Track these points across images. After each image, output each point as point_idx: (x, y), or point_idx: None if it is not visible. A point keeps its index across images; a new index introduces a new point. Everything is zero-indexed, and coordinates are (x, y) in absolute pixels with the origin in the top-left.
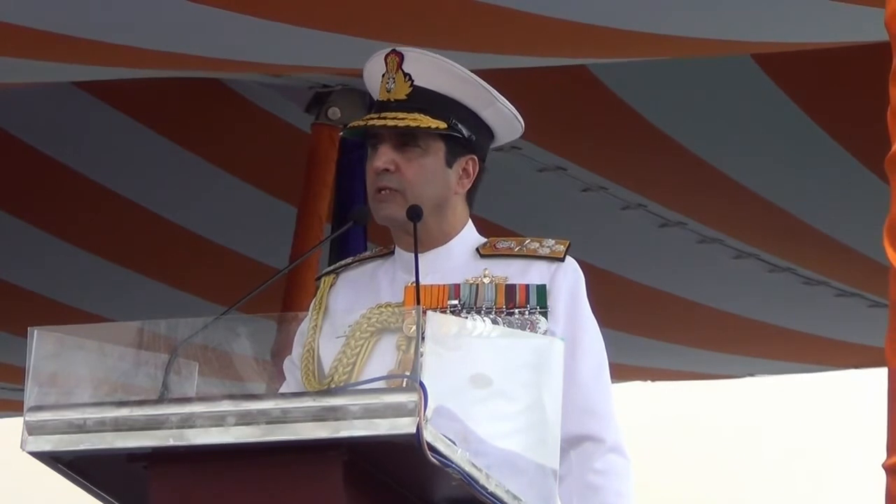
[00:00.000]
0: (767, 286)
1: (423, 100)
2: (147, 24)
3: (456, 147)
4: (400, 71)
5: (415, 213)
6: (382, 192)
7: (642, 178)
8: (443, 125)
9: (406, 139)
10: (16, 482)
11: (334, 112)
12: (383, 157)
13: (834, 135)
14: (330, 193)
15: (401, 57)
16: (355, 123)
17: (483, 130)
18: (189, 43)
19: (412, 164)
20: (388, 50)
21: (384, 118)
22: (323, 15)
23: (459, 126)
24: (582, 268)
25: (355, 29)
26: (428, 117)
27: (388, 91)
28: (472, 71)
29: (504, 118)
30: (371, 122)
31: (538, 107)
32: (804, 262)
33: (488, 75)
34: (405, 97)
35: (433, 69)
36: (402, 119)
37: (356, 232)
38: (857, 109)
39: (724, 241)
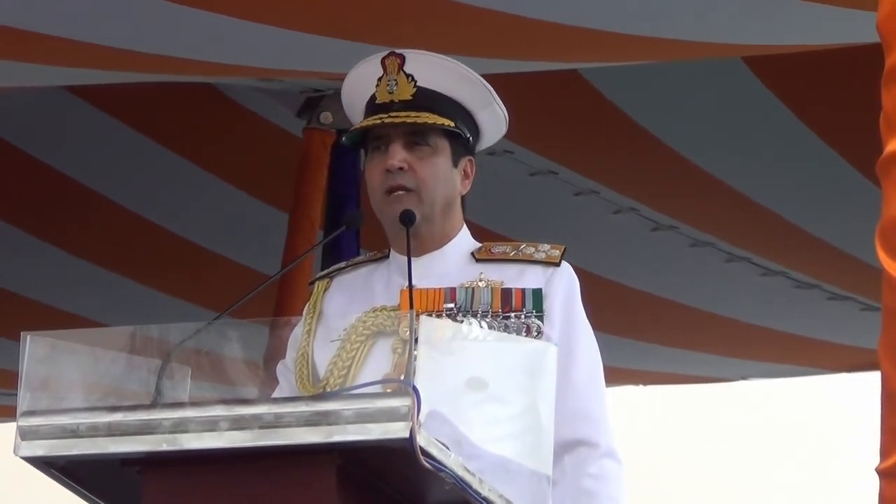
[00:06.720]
0: (759, 289)
1: (429, 99)
2: (137, 27)
3: (459, 147)
4: (402, 72)
5: (408, 218)
6: (396, 191)
7: (634, 182)
8: (452, 123)
9: (416, 138)
10: (9, 487)
11: (326, 116)
12: (397, 155)
13: (825, 138)
14: (322, 198)
15: (402, 58)
16: (364, 123)
17: (476, 132)
18: (181, 46)
19: (424, 162)
20: (385, 53)
21: (395, 116)
22: (315, 18)
23: (462, 126)
24: (574, 271)
25: (347, 33)
26: (436, 115)
27: (391, 93)
28: None
29: (497, 120)
30: (384, 121)
31: (530, 110)
32: (796, 266)
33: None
34: (410, 97)
35: (436, 69)
36: (416, 116)
37: (349, 237)
38: (849, 112)
39: (716, 244)
